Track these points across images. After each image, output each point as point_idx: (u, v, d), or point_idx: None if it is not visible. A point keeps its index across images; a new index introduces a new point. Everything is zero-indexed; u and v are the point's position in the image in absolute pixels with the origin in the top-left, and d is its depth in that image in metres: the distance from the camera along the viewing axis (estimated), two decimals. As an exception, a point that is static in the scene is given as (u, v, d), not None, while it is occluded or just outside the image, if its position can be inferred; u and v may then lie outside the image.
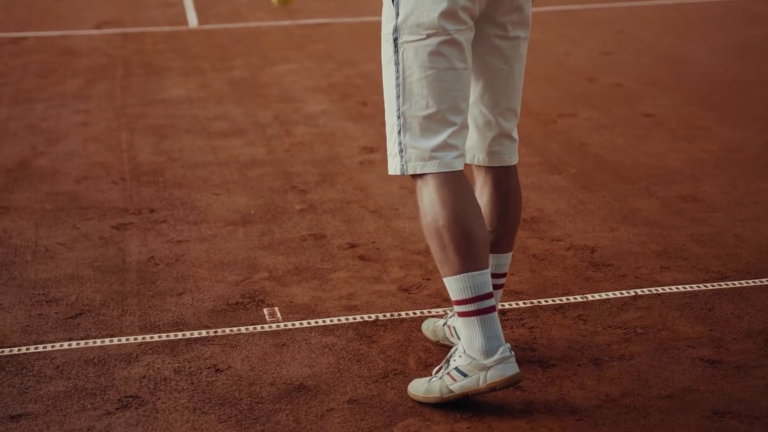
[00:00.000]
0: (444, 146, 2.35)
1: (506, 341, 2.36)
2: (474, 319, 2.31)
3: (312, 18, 7.95)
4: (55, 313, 2.90)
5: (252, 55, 6.65)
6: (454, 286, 2.33)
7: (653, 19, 7.66)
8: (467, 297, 2.32)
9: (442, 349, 2.66)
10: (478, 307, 2.31)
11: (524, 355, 2.61)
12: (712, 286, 3.02)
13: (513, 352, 2.32)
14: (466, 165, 2.46)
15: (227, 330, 2.80)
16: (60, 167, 4.31)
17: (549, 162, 4.32)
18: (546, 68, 5.99)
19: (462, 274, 2.31)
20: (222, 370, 2.56)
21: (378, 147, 4.52)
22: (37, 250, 3.38)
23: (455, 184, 2.35)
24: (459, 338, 2.46)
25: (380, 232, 3.55)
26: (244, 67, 6.27)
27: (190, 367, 2.58)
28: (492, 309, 2.33)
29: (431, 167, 2.34)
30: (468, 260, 2.31)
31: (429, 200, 2.34)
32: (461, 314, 2.33)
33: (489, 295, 2.33)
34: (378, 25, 2.40)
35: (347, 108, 5.27)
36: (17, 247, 3.40)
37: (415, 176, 2.38)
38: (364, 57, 6.37)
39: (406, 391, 2.43)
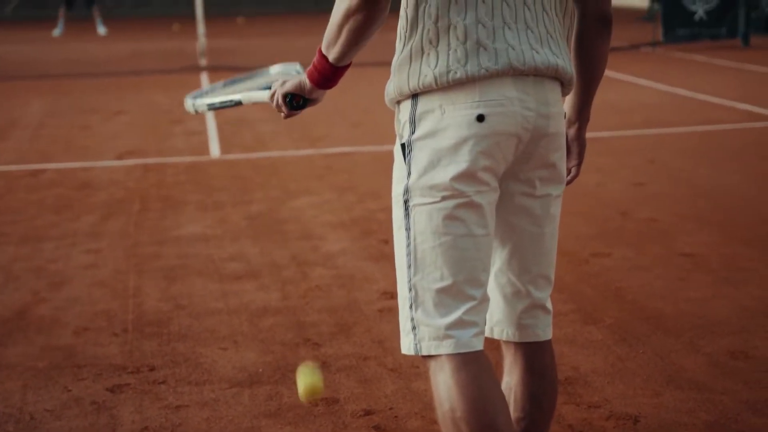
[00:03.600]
0: (461, 323, 2.06)
1: None
2: None
3: (335, 146, 7.81)
4: (29, 502, 2.59)
5: (272, 186, 6.46)
6: None
7: (686, 147, 7.41)
8: None
9: None
10: None
11: None
12: (775, 469, 2.66)
13: None
14: (493, 340, 2.16)
15: None
16: (60, 316, 4.05)
17: (583, 310, 4.01)
18: (576, 201, 5.72)
19: (485, 474, 1.99)
20: None
21: (399, 292, 4.23)
22: (21, 419, 3.08)
23: (475, 366, 2.05)
24: None
25: (399, 395, 3.23)
26: (263, 200, 6.07)
27: None
28: None
29: (447, 347, 2.05)
30: (492, 457, 1.99)
31: (445, 386, 2.04)
32: None
33: (517, 498, 2.00)
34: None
35: (368, 246, 5.02)
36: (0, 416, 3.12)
37: (428, 357, 2.08)
38: (387, 189, 6.09)
39: None
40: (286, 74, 2.46)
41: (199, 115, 9.39)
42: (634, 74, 11.52)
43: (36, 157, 7.60)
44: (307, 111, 2.39)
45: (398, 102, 2.16)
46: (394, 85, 2.13)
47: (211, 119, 9.25)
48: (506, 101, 2.05)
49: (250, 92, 2.40)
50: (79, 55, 15.83)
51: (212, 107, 2.43)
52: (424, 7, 2.05)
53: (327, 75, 2.16)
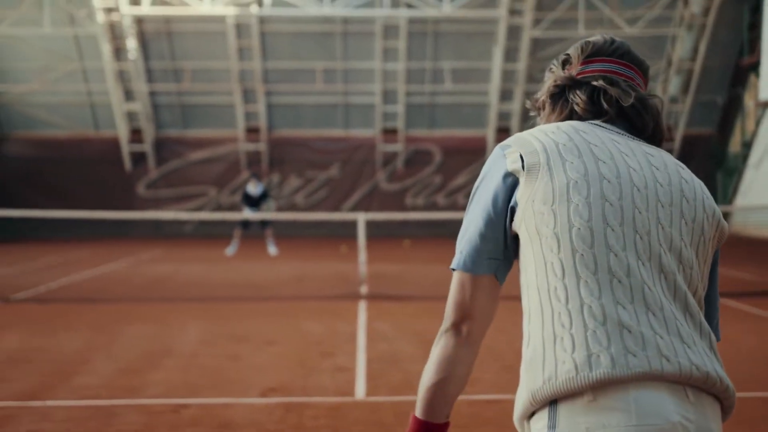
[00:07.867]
0: None
1: None
2: None
3: (484, 393, 7.42)
4: None
5: (414, 438, 6.10)
6: None
7: None
8: None
9: None
10: None
11: None
12: None
13: None
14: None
15: None
16: None
17: None
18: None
19: None
20: None
21: None
22: None
23: None
24: None
25: None
26: (401, 455, 5.73)
27: None
28: None
29: None
30: None
31: None
32: None
33: None
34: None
35: None
36: None
37: None
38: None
39: None
40: None
41: (348, 349, 9.26)
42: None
43: (183, 390, 7.57)
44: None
45: (529, 418, 1.86)
46: (525, 388, 1.87)
47: (361, 353, 9.09)
48: (668, 427, 1.71)
49: None
50: (245, 276, 16.32)
51: None
52: (549, 292, 1.83)
53: None
